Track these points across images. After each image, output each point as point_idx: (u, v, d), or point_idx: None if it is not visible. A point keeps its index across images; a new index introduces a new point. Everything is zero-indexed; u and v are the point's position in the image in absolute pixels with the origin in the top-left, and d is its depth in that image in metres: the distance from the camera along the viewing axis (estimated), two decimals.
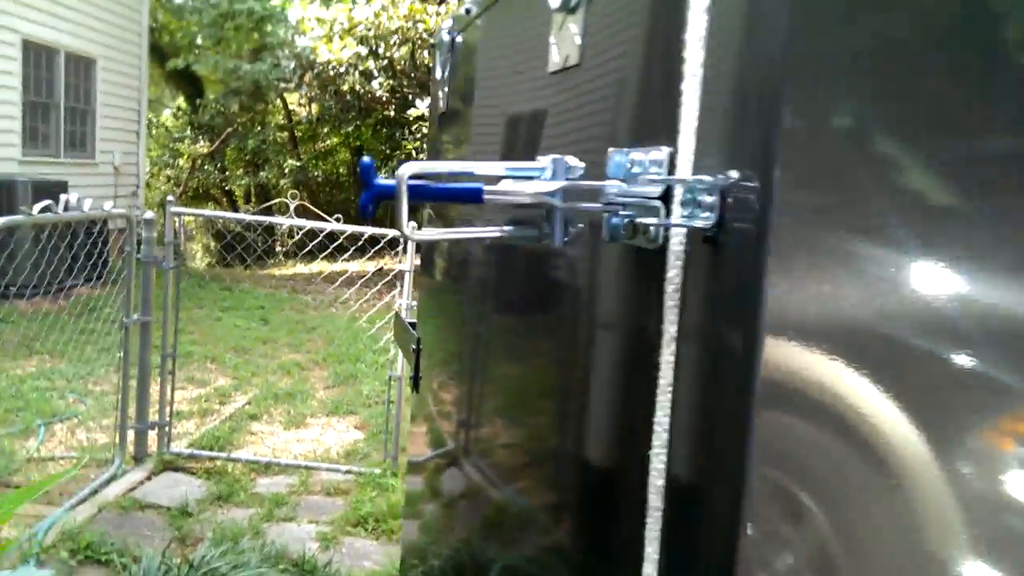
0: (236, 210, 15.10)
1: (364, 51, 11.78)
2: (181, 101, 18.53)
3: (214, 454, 4.55)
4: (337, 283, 8.39)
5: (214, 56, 14.11)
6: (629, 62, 0.69)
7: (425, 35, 11.35)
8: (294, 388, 6.08)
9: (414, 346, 1.60)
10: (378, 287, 6.12)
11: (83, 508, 3.76)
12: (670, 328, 0.56)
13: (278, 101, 16.36)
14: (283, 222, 5.24)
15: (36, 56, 10.40)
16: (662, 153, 0.56)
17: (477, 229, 0.67)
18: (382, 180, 0.61)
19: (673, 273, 0.56)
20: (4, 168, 9.69)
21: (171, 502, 3.89)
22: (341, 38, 11.82)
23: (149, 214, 4.64)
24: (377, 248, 5.16)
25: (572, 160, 0.63)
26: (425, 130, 11.99)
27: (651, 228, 0.59)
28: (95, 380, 5.89)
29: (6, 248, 5.58)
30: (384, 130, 14.11)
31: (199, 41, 15.93)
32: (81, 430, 5.01)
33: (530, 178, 0.63)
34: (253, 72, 13.37)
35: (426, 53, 11.89)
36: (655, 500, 0.58)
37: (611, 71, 0.72)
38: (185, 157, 16.60)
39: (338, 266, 9.13)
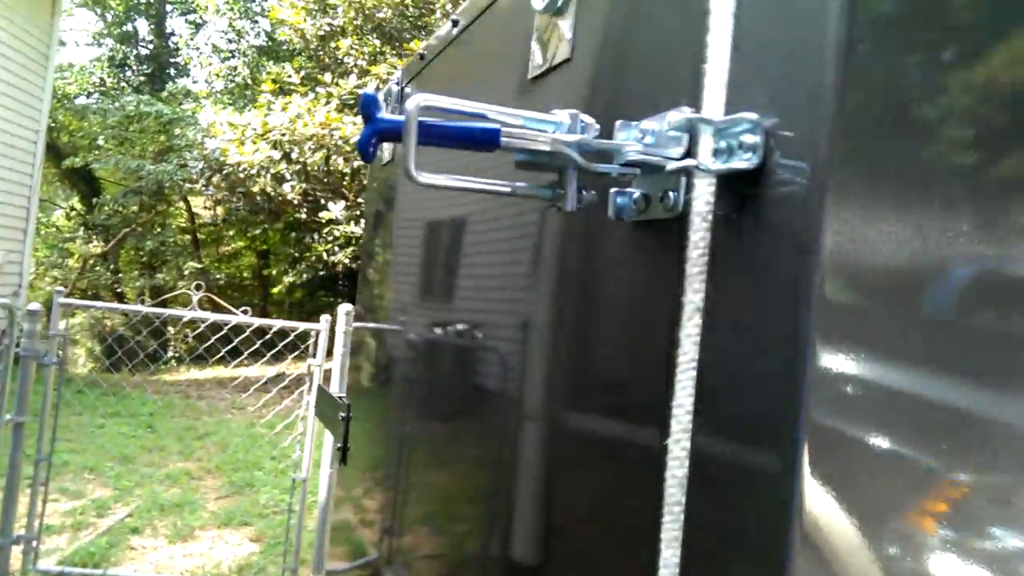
0: (127, 316, 14.32)
1: (277, 155, 11.77)
2: (75, 201, 17.81)
3: (87, 571, 4.04)
4: (231, 386, 7.97)
5: (115, 156, 13.73)
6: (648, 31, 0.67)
7: (340, 142, 11.49)
8: (183, 499, 5.57)
9: (343, 414, 1.48)
10: (276, 391, 5.80)
11: None
12: (694, 298, 0.50)
13: (181, 204, 15.97)
14: (185, 315, 4.94)
15: None
16: (683, 113, 0.52)
17: (489, 181, 0.59)
18: (388, 115, 0.54)
19: (698, 237, 0.50)
20: None
21: None
22: (254, 142, 11.79)
23: (35, 305, 4.29)
24: (281, 345, 4.89)
25: (587, 119, 0.59)
26: (336, 233, 11.90)
27: (670, 195, 0.54)
28: None
29: None
30: (293, 233, 13.93)
31: (100, 141, 15.53)
32: None
33: (551, 127, 0.58)
34: (158, 172, 13.07)
35: (340, 160, 11.99)
36: (675, 494, 0.49)
37: (607, 61, 0.70)
38: (76, 257, 15.78)
39: (234, 371, 8.69)
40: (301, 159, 11.53)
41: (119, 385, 9.66)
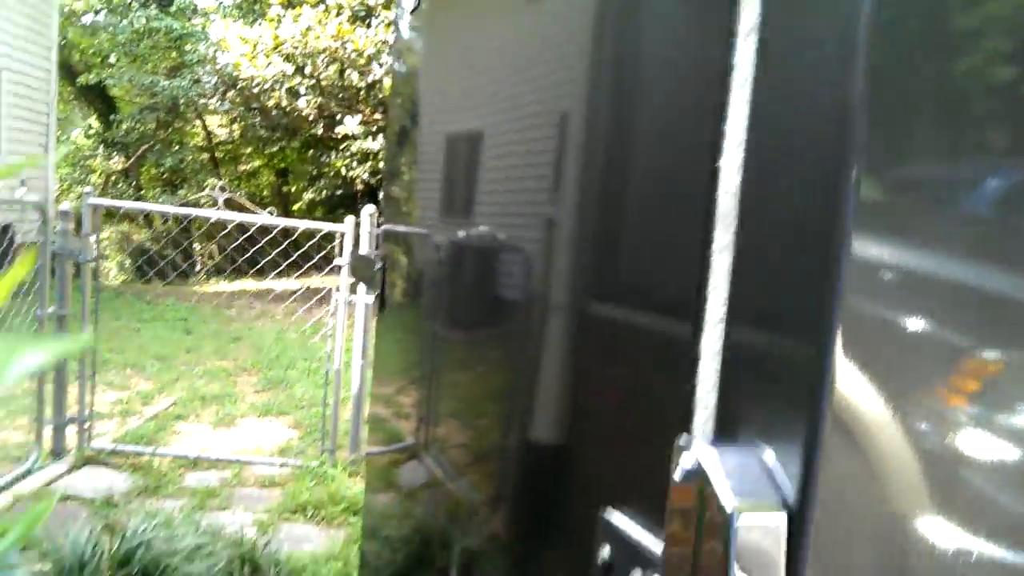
0: (151, 227, 14.56)
1: (290, 69, 11.67)
2: (93, 120, 17.83)
3: (139, 448, 4.33)
4: (264, 299, 8.20)
5: (129, 71, 13.67)
6: None
7: (354, 55, 11.34)
8: (222, 392, 5.87)
9: (379, 265, 1.62)
10: (303, 304, 5.98)
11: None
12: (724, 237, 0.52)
13: (197, 122, 15.96)
14: (210, 214, 5.09)
15: None
16: None
17: None
18: None
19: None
20: None
21: (95, 494, 3.68)
22: (266, 55, 11.67)
23: (66, 205, 4.45)
24: (308, 245, 5.02)
25: None
26: (353, 149, 11.90)
27: None
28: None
29: None
30: (311, 151, 13.93)
31: (112, 59, 15.42)
32: None
33: None
34: (172, 88, 13.02)
35: (355, 74, 11.85)
36: (708, 380, 0.53)
37: None
38: (98, 174, 15.93)
39: (262, 284, 8.90)
40: (315, 73, 11.44)
41: (153, 297, 9.96)
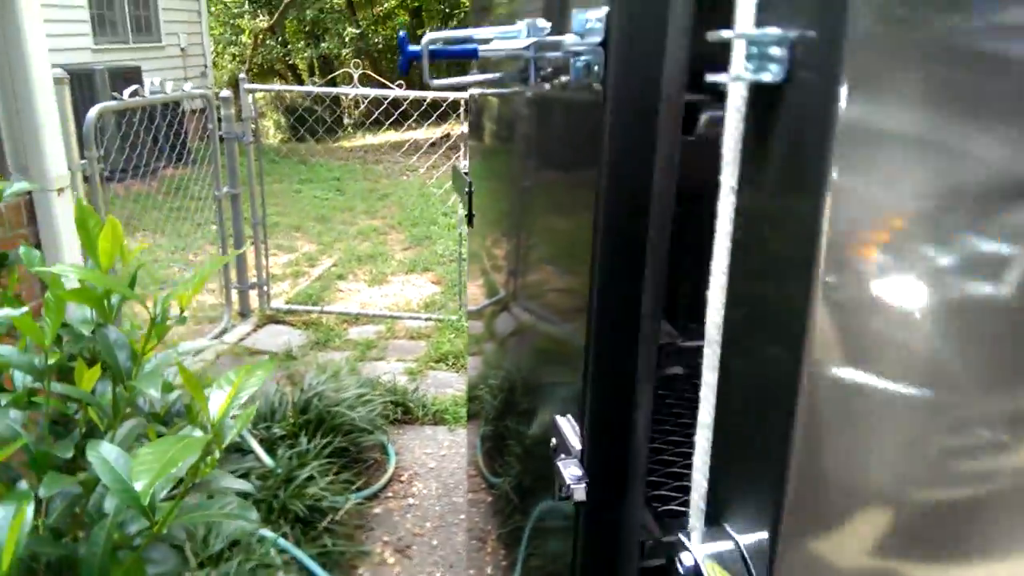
0: (301, 83, 15.31)
1: None
2: None
3: (309, 308, 5.05)
4: (404, 149, 8.67)
5: None
6: None
7: None
8: (374, 251, 6.52)
9: (467, 188, 1.86)
10: (443, 150, 6.40)
11: (204, 355, 4.33)
12: (729, 181, 0.60)
13: None
14: (349, 92, 5.44)
15: None
16: (600, 12, 0.75)
17: (481, 76, 0.89)
18: (412, 47, 0.84)
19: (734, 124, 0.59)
20: (79, 58, 10.09)
21: (277, 348, 4.42)
22: None
23: (226, 93, 4.92)
24: (439, 112, 5.32)
25: (542, 22, 0.84)
26: None
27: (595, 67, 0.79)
28: (194, 252, 6.45)
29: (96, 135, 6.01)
30: None
31: None
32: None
33: (512, 38, 0.85)
34: None
35: None
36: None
37: None
38: (247, 33, 16.69)
39: (405, 135, 9.36)
40: None
41: (307, 155, 10.76)
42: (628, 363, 0.84)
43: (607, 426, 0.86)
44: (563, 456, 0.88)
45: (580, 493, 0.82)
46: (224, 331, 4.70)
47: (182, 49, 12.76)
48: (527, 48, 0.82)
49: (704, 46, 0.62)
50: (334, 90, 6.02)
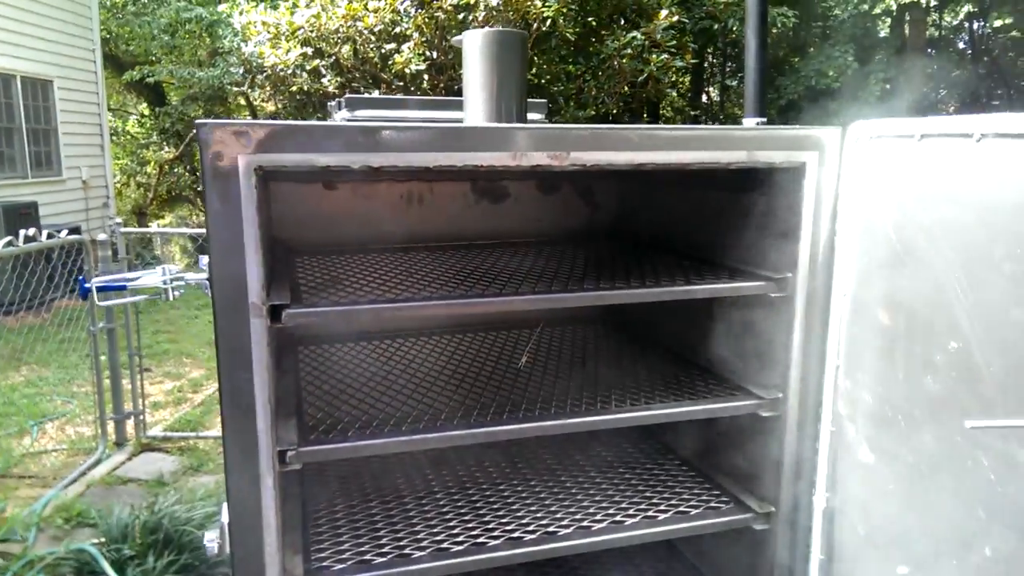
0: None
1: (310, 51, 12.35)
2: (144, 108, 18.97)
3: (186, 434, 5.29)
4: None
5: (167, 65, 14.61)
6: None
7: (365, 31, 11.91)
8: None
9: None
10: None
11: (74, 487, 4.50)
12: None
13: (242, 100, 16.84)
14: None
15: None
16: None
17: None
18: (86, 285, 1.32)
19: None
20: None
21: (148, 476, 4.64)
22: (287, 40, 12.37)
23: (102, 236, 5.29)
24: None
25: None
26: None
27: None
28: (79, 383, 6.60)
29: None
30: None
31: (154, 51, 16.35)
32: (70, 426, 5.75)
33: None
34: (207, 78, 13.90)
35: (369, 48, 12.44)
36: None
37: None
38: (152, 164, 17.12)
39: None
40: (332, 52, 12.08)
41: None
42: None
43: None
44: None
45: None
46: (98, 461, 4.88)
47: (84, 181, 13.06)
48: None
49: None
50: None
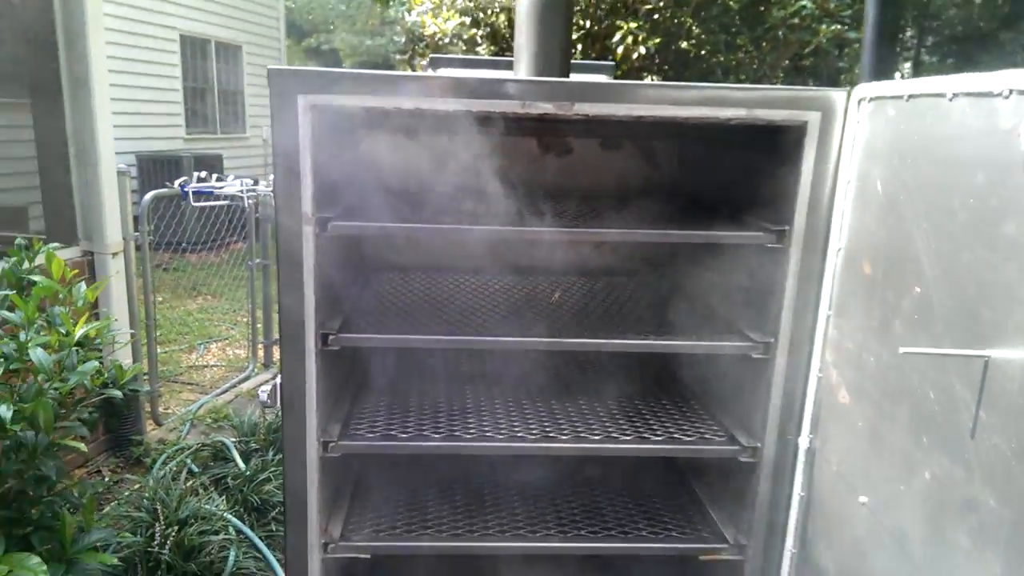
0: None
1: (468, 20, 12.89)
2: None
3: None
4: None
5: (341, 33, 15.75)
6: None
7: None
8: None
9: None
10: None
11: (224, 396, 5.26)
12: None
13: (408, 69, 17.83)
14: None
15: (192, 48, 12.35)
16: None
17: None
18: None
19: None
20: (172, 145, 11.74)
21: None
22: (447, 10, 12.98)
23: (263, 190, 6.01)
24: None
25: None
26: None
27: None
28: (242, 314, 7.53)
29: (179, 214, 7.30)
30: None
31: (331, 20, 17.65)
32: (229, 348, 6.63)
33: None
34: (374, 46, 14.86)
35: None
36: None
37: None
38: None
39: None
40: (488, 22, 12.53)
41: None
42: None
43: None
44: None
45: None
46: (247, 378, 5.64)
47: (264, 140, 14.47)
48: None
49: None
50: None
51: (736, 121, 1.68)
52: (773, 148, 1.82)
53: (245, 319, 7.31)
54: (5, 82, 4.10)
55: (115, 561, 1.93)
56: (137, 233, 4.44)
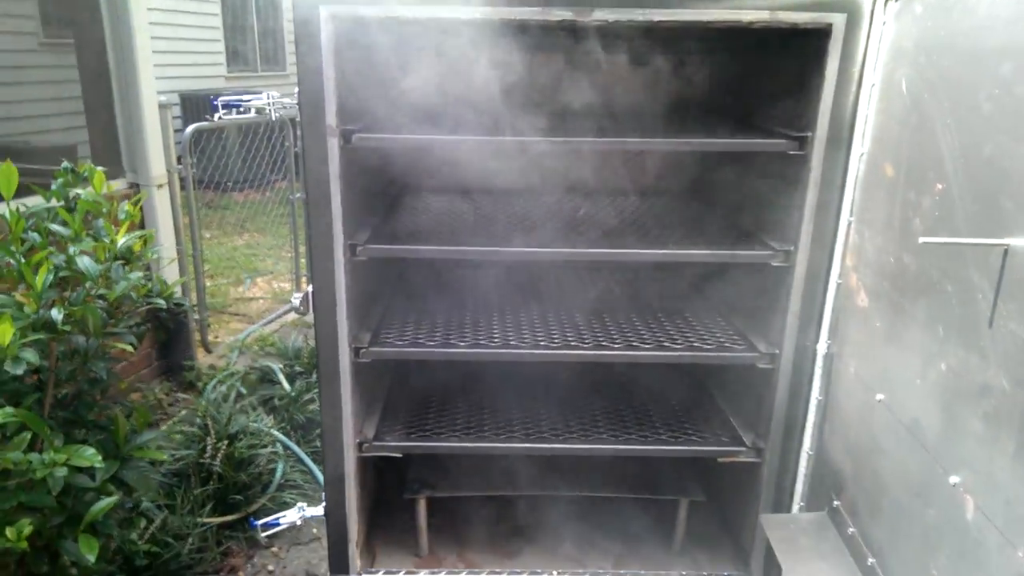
0: None
1: None
2: None
3: None
4: None
5: None
6: None
7: None
8: None
9: None
10: None
11: (270, 326, 5.45)
12: None
13: None
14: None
15: None
16: None
17: None
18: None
19: None
20: (213, 84, 11.85)
21: None
22: None
23: (290, 102, 6.07)
24: None
25: None
26: None
27: None
28: (287, 249, 7.71)
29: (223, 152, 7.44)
30: None
31: None
32: (275, 281, 6.83)
33: None
34: None
35: None
36: None
37: None
38: None
39: None
40: None
41: None
42: None
43: None
44: None
45: None
46: (291, 309, 5.82)
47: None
48: None
49: None
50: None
51: (759, 24, 1.65)
52: (796, 54, 1.79)
53: (290, 254, 7.51)
54: (50, 23, 4.20)
55: (164, 457, 2.08)
56: (180, 166, 4.56)
